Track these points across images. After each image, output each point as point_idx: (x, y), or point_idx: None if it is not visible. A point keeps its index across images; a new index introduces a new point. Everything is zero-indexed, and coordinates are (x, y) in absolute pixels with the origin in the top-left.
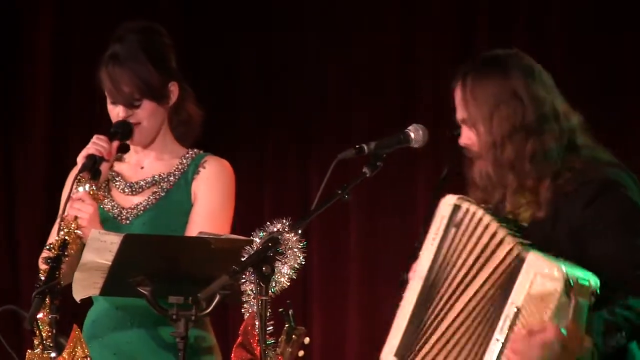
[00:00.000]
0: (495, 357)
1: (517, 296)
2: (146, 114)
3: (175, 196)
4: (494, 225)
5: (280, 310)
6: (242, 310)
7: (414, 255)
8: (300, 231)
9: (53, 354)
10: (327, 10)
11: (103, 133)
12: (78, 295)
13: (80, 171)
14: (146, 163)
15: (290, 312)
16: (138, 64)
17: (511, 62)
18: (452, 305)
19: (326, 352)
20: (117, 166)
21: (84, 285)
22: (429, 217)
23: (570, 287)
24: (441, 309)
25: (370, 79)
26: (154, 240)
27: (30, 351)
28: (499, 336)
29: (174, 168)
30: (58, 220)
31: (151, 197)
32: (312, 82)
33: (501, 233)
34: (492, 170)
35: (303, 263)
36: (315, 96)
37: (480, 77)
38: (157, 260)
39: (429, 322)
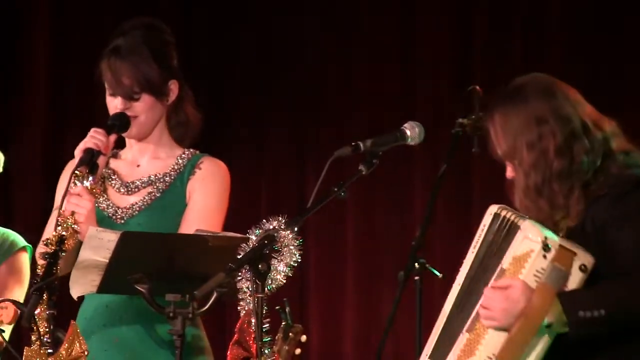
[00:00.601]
0: (474, 317)
1: (506, 258)
2: (144, 107)
3: (171, 197)
4: (518, 222)
5: (277, 307)
6: (239, 308)
7: (413, 255)
8: (296, 229)
9: (51, 350)
10: (326, 10)
11: (100, 126)
12: (75, 293)
13: (77, 165)
14: (142, 161)
15: (287, 309)
16: (140, 57)
17: (529, 89)
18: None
19: (323, 350)
20: (113, 163)
21: (81, 283)
22: (427, 215)
23: (548, 250)
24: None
25: (368, 77)
26: (151, 238)
27: (27, 347)
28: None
29: (170, 168)
30: (54, 214)
31: (146, 198)
32: (310, 80)
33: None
34: (525, 198)
35: (299, 260)
36: (312, 94)
37: (503, 112)
38: (154, 258)
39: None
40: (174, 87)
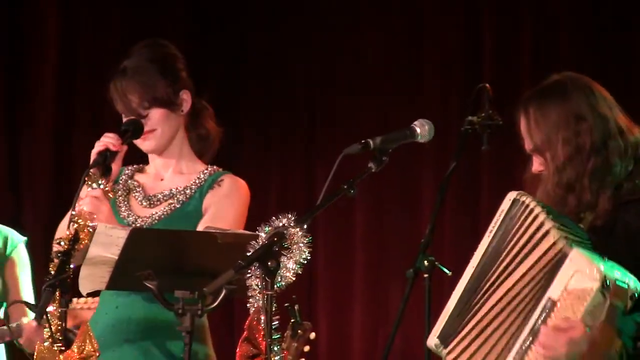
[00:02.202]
0: (526, 347)
1: (555, 290)
2: (158, 120)
3: (189, 208)
4: (542, 217)
5: (286, 305)
6: (248, 305)
7: (422, 252)
8: (305, 226)
9: (63, 348)
10: (335, 9)
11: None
12: (84, 289)
13: (90, 167)
14: (166, 175)
15: (296, 307)
16: (144, 73)
17: (570, 85)
18: (493, 292)
19: (332, 347)
20: (138, 177)
21: (91, 280)
22: (436, 212)
23: (606, 287)
24: (483, 295)
25: (378, 75)
26: (160, 235)
27: (40, 344)
28: (534, 326)
29: (192, 182)
30: (69, 215)
31: (167, 208)
32: (319, 78)
33: (548, 225)
34: (553, 192)
35: (309, 258)
36: (322, 92)
37: (541, 106)
38: (163, 254)
39: (471, 307)
40: (186, 96)
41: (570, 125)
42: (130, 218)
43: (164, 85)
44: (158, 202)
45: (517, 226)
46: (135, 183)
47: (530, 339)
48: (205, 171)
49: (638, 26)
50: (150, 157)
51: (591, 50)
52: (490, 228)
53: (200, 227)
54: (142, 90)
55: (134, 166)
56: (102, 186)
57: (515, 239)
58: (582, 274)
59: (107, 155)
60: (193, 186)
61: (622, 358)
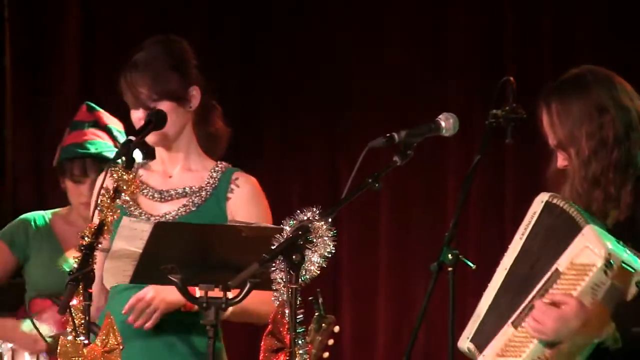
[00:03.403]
0: (524, 315)
1: (562, 260)
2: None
3: (208, 211)
4: (579, 220)
5: (310, 298)
6: (272, 299)
7: (446, 246)
8: (330, 219)
9: (86, 341)
10: (356, 3)
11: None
12: (109, 283)
13: (114, 158)
14: (174, 172)
15: (320, 300)
16: (155, 66)
17: (590, 78)
18: (527, 296)
19: (356, 341)
20: (145, 175)
21: (114, 274)
22: (460, 206)
23: (610, 266)
24: (515, 300)
25: (401, 70)
26: (184, 229)
27: (63, 337)
28: (535, 294)
29: (205, 182)
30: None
31: (181, 209)
32: (341, 72)
33: (575, 214)
34: (580, 187)
35: (333, 251)
36: (344, 86)
37: (563, 100)
38: (187, 248)
39: (505, 312)
40: (195, 93)
41: (594, 119)
42: (143, 217)
43: (174, 79)
44: (170, 198)
45: (552, 234)
46: (141, 179)
47: (529, 307)
48: (217, 168)
49: None
50: (158, 152)
51: (610, 49)
52: (521, 230)
53: None
54: (151, 83)
55: (138, 162)
56: (126, 178)
57: (551, 243)
58: (590, 249)
59: (130, 146)
60: (208, 187)
61: (618, 342)
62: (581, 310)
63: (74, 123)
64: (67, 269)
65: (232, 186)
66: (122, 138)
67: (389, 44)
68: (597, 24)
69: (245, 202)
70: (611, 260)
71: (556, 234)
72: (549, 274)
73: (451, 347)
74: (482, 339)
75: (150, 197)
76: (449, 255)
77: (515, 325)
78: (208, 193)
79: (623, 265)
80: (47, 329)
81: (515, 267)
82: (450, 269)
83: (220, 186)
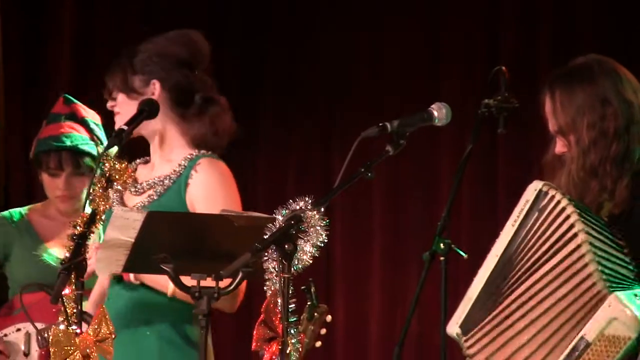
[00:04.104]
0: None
1: (590, 331)
2: (119, 104)
3: (166, 201)
4: (573, 218)
5: (303, 288)
6: (265, 288)
7: (439, 235)
8: (323, 209)
9: (78, 330)
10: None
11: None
12: (101, 273)
13: (106, 148)
14: (156, 164)
15: (313, 289)
16: (122, 60)
17: (597, 69)
18: (517, 288)
19: (349, 330)
20: (138, 169)
21: (107, 263)
22: (452, 195)
23: None
24: (507, 290)
25: (396, 60)
26: (177, 218)
27: (55, 327)
28: None
29: (172, 171)
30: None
31: (146, 200)
32: (337, 62)
33: (578, 227)
34: (577, 175)
35: (326, 240)
36: (339, 76)
37: (567, 88)
38: (180, 237)
39: (495, 301)
40: (154, 86)
41: (596, 110)
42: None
43: (129, 73)
44: (142, 191)
45: (546, 223)
46: (132, 174)
47: None
48: (187, 157)
49: None
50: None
51: (610, 41)
52: (513, 217)
53: None
54: (111, 75)
55: (142, 159)
56: (118, 167)
57: (545, 235)
58: (620, 322)
59: (122, 136)
60: (172, 175)
61: None
62: None
63: (51, 115)
64: (50, 261)
65: (192, 172)
66: (99, 131)
67: (387, 34)
68: (596, 15)
69: (203, 188)
70: None
71: (554, 233)
72: (575, 342)
73: (443, 335)
74: (469, 325)
75: (129, 191)
76: (441, 245)
77: None
78: (171, 181)
79: None
80: None
81: (507, 256)
82: (442, 258)
83: (184, 174)
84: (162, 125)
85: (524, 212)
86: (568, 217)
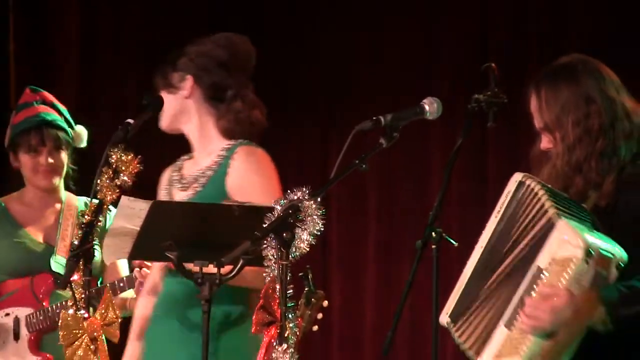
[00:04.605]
0: (515, 314)
1: (543, 259)
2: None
3: (210, 191)
4: (544, 199)
5: (300, 274)
6: (264, 275)
7: (431, 224)
8: (319, 199)
9: (86, 315)
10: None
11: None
12: (108, 259)
13: (113, 141)
14: (198, 158)
15: (310, 276)
16: (165, 62)
17: (581, 68)
18: (496, 272)
19: (345, 315)
20: (184, 164)
21: (113, 251)
22: (444, 186)
23: (590, 256)
24: (490, 275)
25: (390, 56)
26: (180, 207)
27: (64, 311)
28: (523, 294)
29: (212, 162)
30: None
31: (191, 193)
32: (334, 57)
33: (547, 205)
34: (562, 170)
35: (322, 229)
36: (336, 71)
37: (552, 87)
38: (183, 226)
39: (479, 289)
40: (189, 82)
41: (581, 107)
42: None
43: (169, 70)
44: (187, 185)
45: (522, 210)
46: (177, 170)
47: (519, 306)
48: (225, 146)
49: None
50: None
51: (600, 40)
52: (496, 209)
53: None
54: (158, 75)
55: (188, 155)
56: (123, 159)
57: (520, 221)
58: (568, 242)
59: (128, 130)
60: (213, 166)
61: (607, 325)
62: (571, 299)
63: (21, 105)
64: (32, 247)
65: (231, 161)
66: (67, 114)
67: (384, 33)
68: (583, 14)
69: (240, 175)
70: (590, 250)
71: (528, 217)
72: (531, 272)
73: (435, 320)
74: (459, 314)
75: (176, 187)
76: (433, 234)
77: (509, 325)
78: (213, 171)
79: (602, 252)
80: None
81: (490, 246)
82: (434, 246)
83: (223, 163)
84: (199, 120)
85: (505, 204)
86: (539, 199)
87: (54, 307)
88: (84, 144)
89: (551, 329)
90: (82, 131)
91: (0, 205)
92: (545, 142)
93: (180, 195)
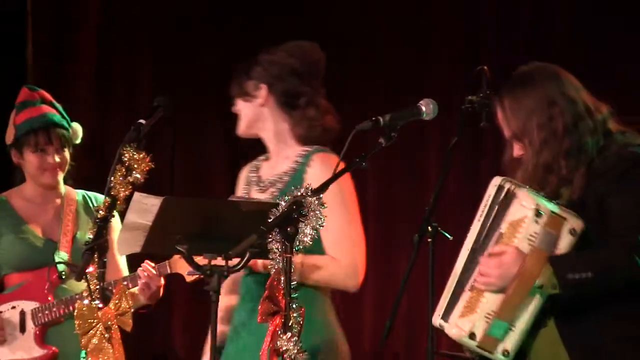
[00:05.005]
0: (474, 277)
1: (503, 224)
2: (239, 107)
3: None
4: (519, 192)
5: None
6: (269, 267)
7: (427, 219)
8: (321, 195)
9: (100, 305)
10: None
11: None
12: (122, 252)
13: (126, 140)
14: (274, 161)
15: None
16: (239, 71)
17: (539, 75)
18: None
19: (344, 307)
20: (261, 165)
21: (127, 244)
22: (440, 183)
23: (539, 215)
24: (473, 273)
25: (388, 60)
26: (190, 203)
27: (79, 302)
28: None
29: (289, 167)
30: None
31: (269, 196)
32: (333, 61)
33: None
34: (534, 173)
35: (324, 224)
36: (335, 74)
37: (514, 96)
38: (193, 221)
39: (466, 285)
40: (263, 91)
41: (543, 111)
42: None
43: (244, 79)
44: (265, 188)
45: (503, 211)
46: (254, 171)
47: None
48: (302, 153)
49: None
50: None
51: (584, 45)
52: (479, 213)
53: (323, 237)
54: (233, 83)
55: (264, 155)
56: (136, 157)
57: (501, 222)
58: (522, 206)
59: (140, 130)
60: (290, 172)
61: (555, 288)
62: (519, 255)
63: (22, 103)
64: (35, 242)
65: (307, 167)
66: (64, 113)
67: (379, 36)
68: (570, 17)
69: (318, 181)
70: (540, 210)
71: (500, 209)
72: (494, 239)
73: (431, 307)
74: (448, 315)
75: (255, 189)
76: (429, 228)
77: (471, 289)
78: (289, 177)
79: (553, 213)
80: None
81: (475, 248)
82: (430, 240)
83: (299, 169)
84: (275, 126)
85: (487, 207)
86: (515, 195)
87: (59, 301)
88: (79, 140)
89: (500, 284)
90: (78, 128)
91: (2, 200)
92: (516, 150)
93: (259, 197)
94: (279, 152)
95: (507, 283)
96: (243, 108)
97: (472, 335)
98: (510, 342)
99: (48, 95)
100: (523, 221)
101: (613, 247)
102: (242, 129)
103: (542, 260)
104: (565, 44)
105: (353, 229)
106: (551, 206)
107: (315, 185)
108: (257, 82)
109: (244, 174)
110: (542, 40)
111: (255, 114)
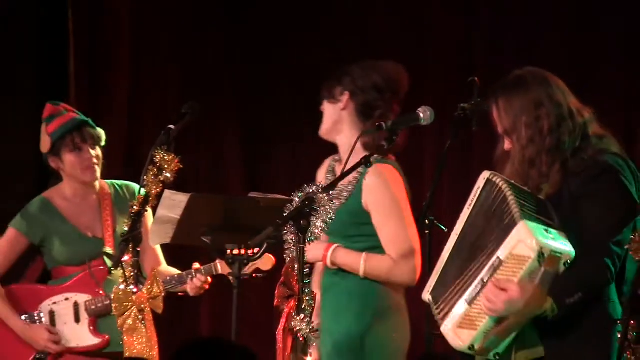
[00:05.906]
0: (475, 294)
1: (503, 251)
2: (325, 109)
3: (350, 206)
4: (508, 195)
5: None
6: (284, 256)
7: (424, 213)
8: (330, 192)
9: (135, 290)
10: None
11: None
12: (154, 242)
13: (157, 144)
14: (346, 167)
15: None
16: (333, 77)
17: (530, 78)
18: (468, 255)
19: None
20: (336, 167)
21: (158, 235)
22: (435, 181)
23: (542, 257)
24: (463, 259)
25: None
26: (214, 199)
27: (116, 286)
28: (484, 278)
29: (353, 177)
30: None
31: (337, 204)
32: (332, 64)
33: (510, 199)
34: (520, 167)
35: (333, 218)
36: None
37: (507, 97)
38: (216, 215)
39: (455, 268)
40: (345, 97)
41: (531, 112)
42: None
43: (334, 85)
44: (335, 195)
45: (489, 204)
46: (331, 172)
47: (479, 287)
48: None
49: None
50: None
51: (573, 49)
52: (468, 202)
53: (383, 244)
54: (324, 86)
55: (338, 157)
56: (167, 158)
57: (487, 215)
58: (525, 243)
59: (170, 134)
60: (354, 181)
61: (554, 311)
62: (523, 293)
63: (50, 116)
64: (80, 240)
65: (363, 180)
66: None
67: (377, 45)
68: (560, 28)
69: (372, 194)
70: (543, 252)
71: (494, 210)
72: (492, 260)
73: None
74: (438, 293)
75: (328, 193)
76: (427, 221)
77: (469, 302)
78: (353, 186)
79: (552, 253)
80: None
81: (464, 234)
82: (427, 232)
83: (360, 179)
84: (349, 132)
85: (476, 197)
86: (504, 195)
87: (109, 294)
88: (103, 143)
89: (504, 314)
90: (102, 132)
91: (45, 201)
92: (506, 144)
93: (331, 202)
94: (352, 160)
95: (510, 314)
96: (327, 109)
97: (471, 347)
98: (502, 346)
99: (69, 107)
100: (526, 260)
101: (589, 255)
102: (325, 129)
103: (543, 295)
104: (550, 54)
105: (409, 232)
106: (550, 244)
107: (370, 196)
108: (343, 89)
109: (323, 171)
110: (530, 51)
111: (336, 116)
